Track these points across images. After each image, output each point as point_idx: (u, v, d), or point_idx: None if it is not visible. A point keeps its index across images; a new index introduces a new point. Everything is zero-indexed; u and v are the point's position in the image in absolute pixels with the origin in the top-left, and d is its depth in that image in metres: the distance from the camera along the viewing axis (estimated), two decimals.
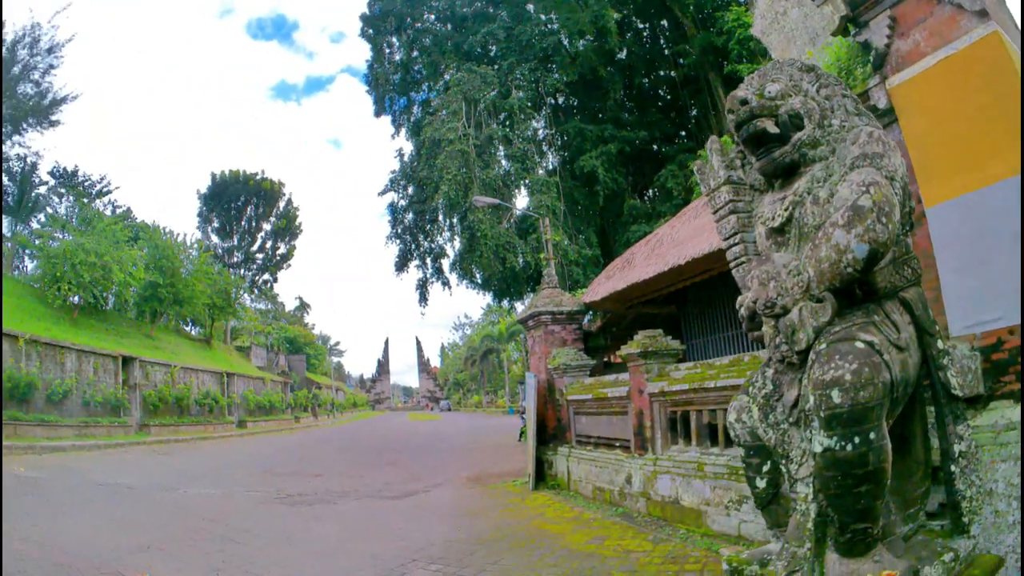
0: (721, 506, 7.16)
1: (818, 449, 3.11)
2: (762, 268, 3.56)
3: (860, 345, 3.18)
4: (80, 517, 8.65)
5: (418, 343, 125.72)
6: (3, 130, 24.47)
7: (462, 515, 9.43)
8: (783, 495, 3.87)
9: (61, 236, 29.03)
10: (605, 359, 13.13)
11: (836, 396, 3.01)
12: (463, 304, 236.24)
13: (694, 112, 29.68)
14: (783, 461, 3.55)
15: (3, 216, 22.59)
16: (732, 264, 4.41)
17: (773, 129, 3.89)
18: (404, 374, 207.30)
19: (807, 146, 3.86)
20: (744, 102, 3.94)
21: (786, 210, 3.79)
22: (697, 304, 12.00)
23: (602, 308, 12.28)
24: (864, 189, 3.39)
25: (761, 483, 3.88)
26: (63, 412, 20.86)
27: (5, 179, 32.77)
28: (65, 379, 21.36)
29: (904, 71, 5.02)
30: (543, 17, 27.99)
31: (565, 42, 27.06)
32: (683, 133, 29.91)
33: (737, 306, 3.99)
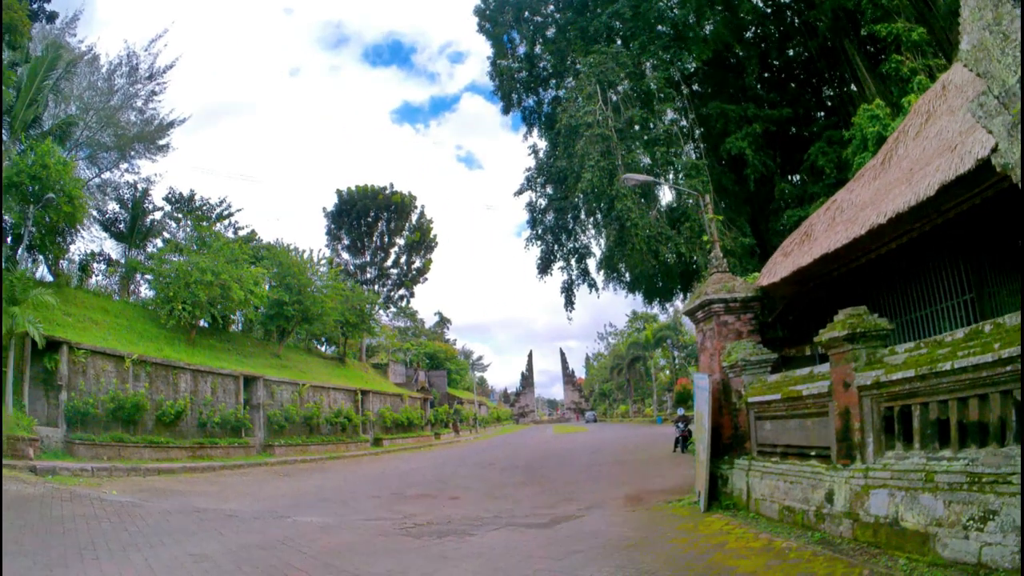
0: (957, 526, 5.55)
1: None
2: None
3: None
4: (155, 552, 7.49)
5: (562, 354, 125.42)
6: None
7: (626, 547, 7.90)
8: None
9: (177, 259, 28.36)
10: (782, 353, 11.23)
11: None
12: (608, 313, 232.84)
13: (830, 89, 27.01)
14: None
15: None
16: None
17: None
18: (548, 387, 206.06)
19: None
20: None
21: None
22: (890, 277, 9.87)
23: (781, 292, 10.51)
24: None
25: None
26: (175, 433, 20.18)
27: (116, 206, 34.25)
28: (178, 400, 20.64)
29: None
30: None
31: (693, 20, 25.04)
32: (821, 113, 27.11)
33: None
